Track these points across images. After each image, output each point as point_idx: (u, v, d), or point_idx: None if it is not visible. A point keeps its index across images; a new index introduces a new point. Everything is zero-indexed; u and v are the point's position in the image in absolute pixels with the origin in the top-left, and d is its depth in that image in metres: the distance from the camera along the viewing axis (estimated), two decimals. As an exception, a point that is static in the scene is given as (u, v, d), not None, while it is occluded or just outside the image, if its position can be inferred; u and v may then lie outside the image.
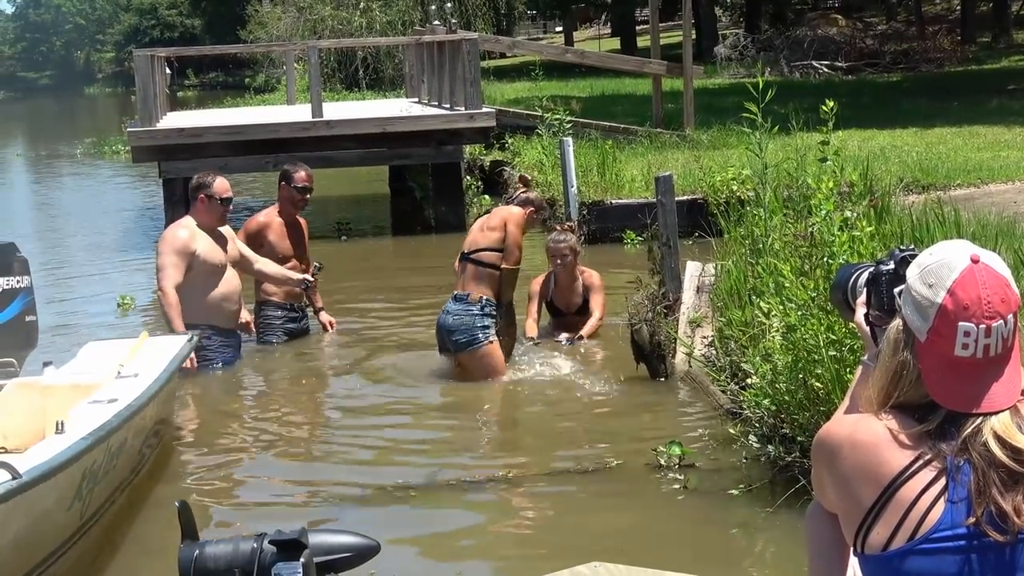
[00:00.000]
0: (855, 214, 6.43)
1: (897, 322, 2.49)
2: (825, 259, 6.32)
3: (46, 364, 7.31)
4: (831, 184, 6.47)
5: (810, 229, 6.81)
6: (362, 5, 37.81)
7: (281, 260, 9.92)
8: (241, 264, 9.57)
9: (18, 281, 8.03)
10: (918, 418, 2.42)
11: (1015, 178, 14.19)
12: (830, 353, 6.02)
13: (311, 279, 9.83)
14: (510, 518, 6.51)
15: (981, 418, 2.38)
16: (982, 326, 2.37)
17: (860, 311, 2.78)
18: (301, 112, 18.22)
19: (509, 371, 8.80)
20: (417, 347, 9.78)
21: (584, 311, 9.78)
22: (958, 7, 42.29)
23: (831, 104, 6.64)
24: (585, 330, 9.60)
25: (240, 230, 9.99)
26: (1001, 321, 2.38)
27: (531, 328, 9.65)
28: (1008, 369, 2.41)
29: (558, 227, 9.90)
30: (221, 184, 9.28)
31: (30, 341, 8.08)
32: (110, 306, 11.98)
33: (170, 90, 21.69)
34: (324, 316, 10.23)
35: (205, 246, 9.13)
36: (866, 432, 2.45)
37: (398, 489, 6.73)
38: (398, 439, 7.81)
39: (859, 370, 2.81)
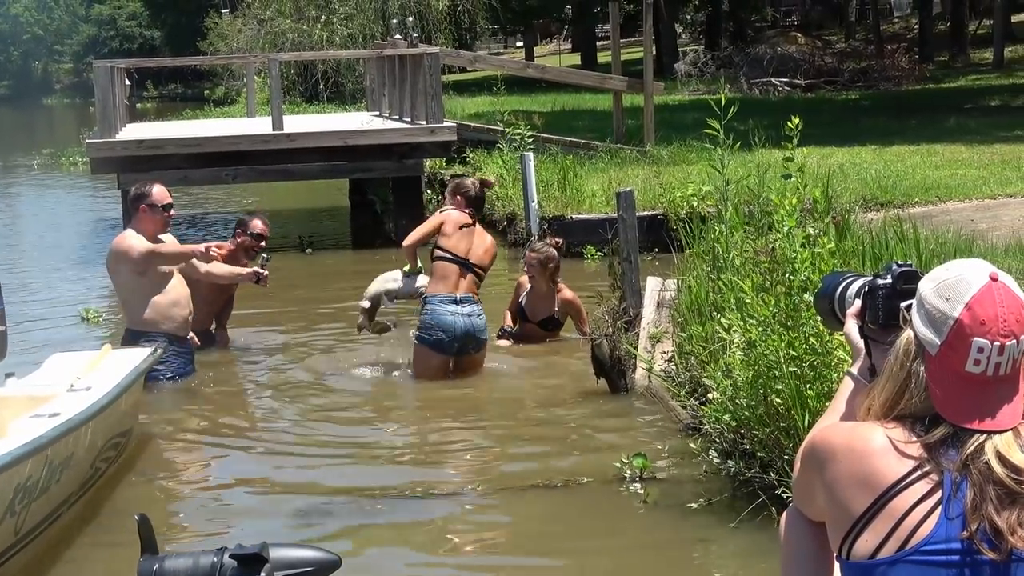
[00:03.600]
0: (817, 231, 6.45)
1: (908, 334, 2.49)
2: (787, 276, 6.33)
3: (8, 375, 7.25)
4: (794, 201, 6.49)
5: (771, 245, 6.83)
6: (323, 18, 37.75)
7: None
8: (187, 270, 9.47)
9: None
10: (920, 430, 2.43)
11: (972, 196, 14.31)
12: (790, 369, 6.04)
13: (262, 271, 9.75)
14: (470, 533, 6.49)
15: (985, 436, 2.39)
16: (996, 343, 2.39)
17: (852, 322, 2.78)
18: (262, 125, 18.17)
19: (471, 387, 8.94)
20: (379, 360, 9.77)
21: (549, 326, 9.87)
22: (916, 26, 42.63)
23: (796, 121, 6.65)
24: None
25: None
26: (1014, 341, 2.40)
27: (507, 318, 10.10)
28: (1015, 390, 2.42)
29: (546, 240, 10.29)
30: (160, 192, 9.20)
31: None
32: (74, 318, 11.90)
33: (129, 101, 21.56)
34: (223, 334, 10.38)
35: None
36: (863, 439, 2.45)
37: (361, 503, 6.71)
38: (361, 453, 7.78)
39: (845, 381, 2.81)
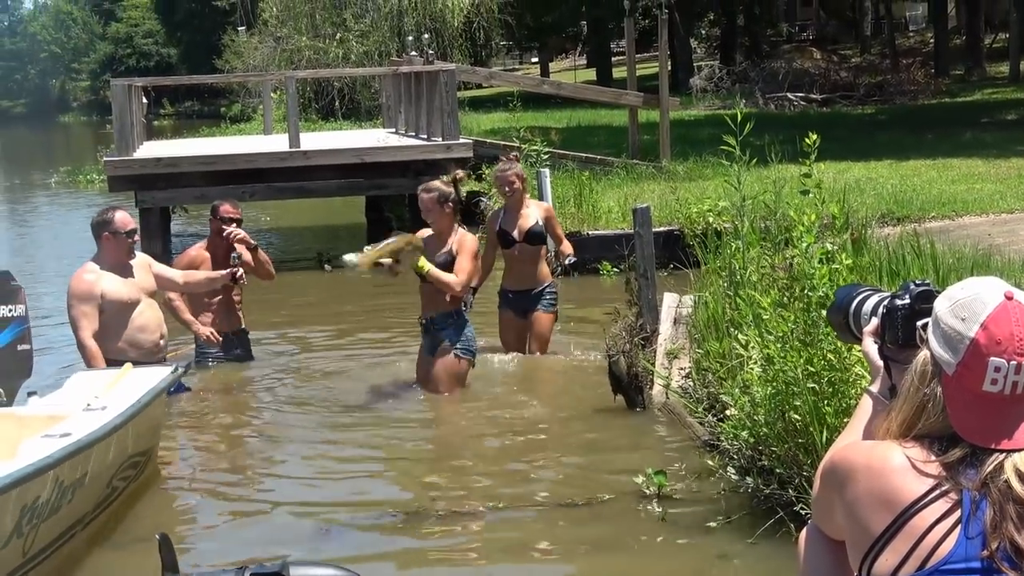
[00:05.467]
0: (835, 246, 6.44)
1: (925, 354, 2.48)
2: (805, 291, 6.32)
3: (31, 394, 7.27)
4: (813, 217, 6.49)
5: (788, 261, 6.82)
6: (339, 35, 37.84)
7: (215, 292, 9.95)
8: (165, 285, 9.42)
9: (11, 310, 7.97)
10: (939, 449, 2.43)
11: (989, 210, 14.29)
12: (809, 385, 6.02)
13: (237, 271, 9.69)
14: (489, 550, 6.48)
15: (1004, 455, 2.39)
16: (1013, 363, 2.37)
17: (870, 340, 2.78)
18: (278, 142, 18.21)
19: (488, 404, 8.98)
20: (395, 376, 9.76)
21: (535, 239, 10.01)
22: (931, 40, 42.58)
23: (814, 137, 6.64)
24: (566, 247, 10.18)
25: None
26: None
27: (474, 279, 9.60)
28: None
29: (503, 158, 10.40)
30: (122, 218, 9.04)
31: (23, 370, 8.00)
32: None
33: (146, 119, 21.61)
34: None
35: (111, 285, 8.82)
36: (883, 459, 2.45)
37: (381, 521, 6.71)
38: (381, 470, 7.79)
39: (864, 399, 2.80)
